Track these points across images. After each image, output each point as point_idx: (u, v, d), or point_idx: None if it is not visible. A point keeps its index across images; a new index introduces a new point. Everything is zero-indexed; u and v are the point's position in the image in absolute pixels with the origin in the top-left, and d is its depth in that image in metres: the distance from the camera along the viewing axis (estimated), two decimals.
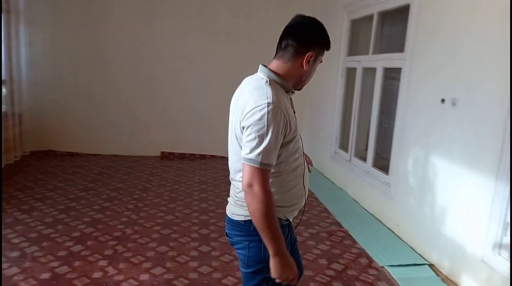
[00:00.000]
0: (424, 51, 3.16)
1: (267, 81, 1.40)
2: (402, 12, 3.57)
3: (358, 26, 4.58)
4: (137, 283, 2.53)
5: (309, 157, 1.76)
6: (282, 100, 1.37)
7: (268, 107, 1.31)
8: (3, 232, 3.14)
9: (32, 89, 5.39)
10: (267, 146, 1.30)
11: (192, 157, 5.97)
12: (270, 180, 1.36)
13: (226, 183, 4.76)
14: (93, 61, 5.56)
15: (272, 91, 1.35)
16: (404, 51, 3.41)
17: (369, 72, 4.22)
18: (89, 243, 3.05)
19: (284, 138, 1.36)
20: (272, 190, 1.37)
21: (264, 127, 1.30)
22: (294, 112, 1.50)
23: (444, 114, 2.86)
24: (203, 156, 5.99)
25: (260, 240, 1.38)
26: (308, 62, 1.45)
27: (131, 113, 5.77)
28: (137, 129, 5.84)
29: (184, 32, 5.64)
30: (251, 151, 1.32)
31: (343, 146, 4.86)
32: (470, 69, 2.61)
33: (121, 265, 2.73)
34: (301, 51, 1.43)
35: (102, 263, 2.76)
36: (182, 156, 5.95)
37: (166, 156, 5.92)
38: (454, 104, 2.75)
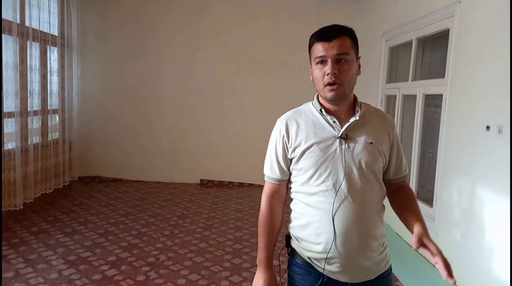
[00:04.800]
0: (465, 76, 3.01)
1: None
2: (443, 38, 3.46)
3: (397, 52, 4.49)
4: None
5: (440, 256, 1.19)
6: (292, 117, 1.41)
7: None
8: (46, 253, 3.27)
9: (81, 118, 5.75)
10: (266, 157, 1.46)
11: (230, 185, 5.99)
12: (280, 196, 1.44)
13: None
14: (138, 92, 5.85)
15: (292, 111, 1.45)
16: (444, 77, 3.28)
17: (410, 99, 4.09)
18: (123, 267, 3.09)
19: (288, 153, 1.40)
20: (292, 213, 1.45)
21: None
22: (342, 137, 1.33)
23: (490, 142, 2.68)
24: (241, 184, 5.99)
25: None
26: (311, 73, 1.43)
27: (173, 141, 5.96)
28: (179, 157, 5.99)
29: (225, 63, 5.82)
30: None
31: None
32: None
33: None
34: None
35: None
36: (220, 184, 5.99)
37: (205, 184, 5.99)
38: (500, 131, 2.57)
